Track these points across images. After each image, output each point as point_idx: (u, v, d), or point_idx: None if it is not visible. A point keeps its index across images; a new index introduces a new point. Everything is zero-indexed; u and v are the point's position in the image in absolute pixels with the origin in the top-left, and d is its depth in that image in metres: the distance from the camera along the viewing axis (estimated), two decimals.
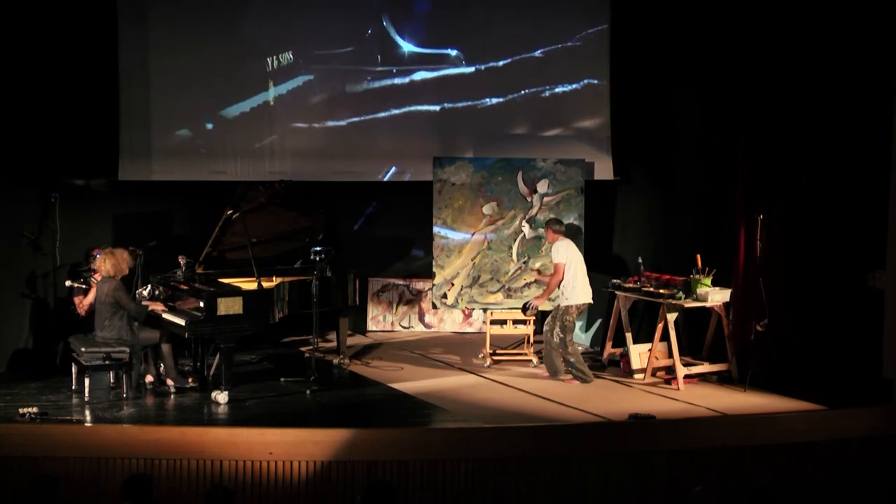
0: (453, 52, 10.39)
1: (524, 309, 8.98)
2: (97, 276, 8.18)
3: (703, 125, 9.57)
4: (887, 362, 7.85)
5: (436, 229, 9.44)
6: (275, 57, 10.20)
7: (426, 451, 6.72)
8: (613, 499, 6.74)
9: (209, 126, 10.31)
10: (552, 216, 9.15)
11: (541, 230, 9.37)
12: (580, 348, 9.44)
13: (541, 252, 9.41)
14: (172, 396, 8.08)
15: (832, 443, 7.09)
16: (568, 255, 8.59)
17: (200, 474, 6.59)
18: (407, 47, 10.35)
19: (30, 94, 9.16)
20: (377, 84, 10.36)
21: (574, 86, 10.46)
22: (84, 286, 8.65)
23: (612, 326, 9.33)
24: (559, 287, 8.61)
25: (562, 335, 8.57)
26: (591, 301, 8.72)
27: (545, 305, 9.04)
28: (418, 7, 10.40)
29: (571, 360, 8.56)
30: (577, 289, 8.57)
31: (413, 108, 10.53)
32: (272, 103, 10.32)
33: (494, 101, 10.47)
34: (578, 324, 9.79)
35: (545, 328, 8.76)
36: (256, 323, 8.13)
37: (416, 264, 10.97)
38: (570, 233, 9.16)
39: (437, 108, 10.53)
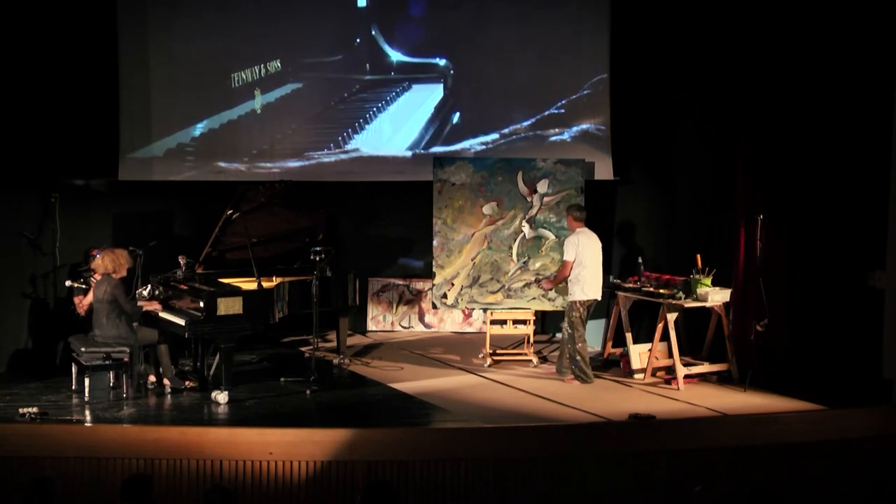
0: (442, 62, 10.37)
1: (536, 283, 9.20)
2: (97, 276, 8.19)
3: (702, 125, 9.59)
4: (887, 362, 7.84)
5: (436, 229, 9.44)
6: (263, 65, 10.15)
7: (426, 451, 6.72)
8: (613, 499, 6.74)
9: (207, 128, 10.30)
10: (574, 202, 9.07)
11: (541, 230, 9.38)
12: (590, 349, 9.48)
13: (541, 252, 9.41)
14: (172, 396, 8.08)
15: (832, 443, 7.09)
16: (579, 251, 8.55)
17: (200, 474, 6.59)
18: (395, 56, 10.33)
19: (30, 94, 9.16)
20: (369, 92, 10.40)
21: (574, 84, 10.49)
22: (84, 286, 8.65)
23: (612, 326, 9.34)
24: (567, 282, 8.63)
25: (570, 330, 8.58)
26: (598, 297, 8.70)
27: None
28: (414, 9, 10.37)
29: (577, 357, 8.55)
30: (583, 284, 8.55)
31: (411, 113, 10.56)
32: (259, 111, 10.29)
33: (491, 107, 10.54)
34: None
35: (561, 324, 8.79)
36: (256, 323, 8.13)
37: (416, 264, 10.97)
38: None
39: (433, 113, 10.58)
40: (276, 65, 10.17)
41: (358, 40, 10.24)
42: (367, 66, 10.39)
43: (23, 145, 9.11)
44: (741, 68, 8.62)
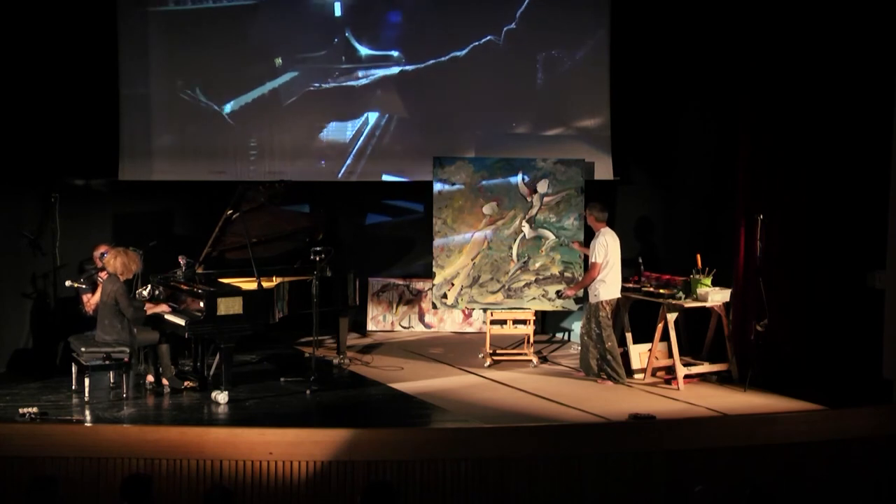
0: (396, 54, 10.65)
1: (557, 295, 9.17)
2: (103, 275, 8.18)
3: (703, 125, 9.59)
4: (887, 362, 7.84)
5: (436, 229, 9.44)
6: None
7: (426, 451, 6.72)
8: (613, 499, 6.74)
9: (210, 123, 10.35)
10: (595, 201, 8.95)
11: (541, 230, 9.38)
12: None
13: (541, 252, 9.41)
14: (172, 396, 8.09)
15: (832, 443, 7.09)
16: (607, 253, 8.54)
17: (200, 474, 6.59)
18: (363, 50, 10.68)
19: (30, 94, 9.16)
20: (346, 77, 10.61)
21: (574, 85, 10.50)
22: (84, 286, 8.65)
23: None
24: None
25: (598, 331, 8.56)
26: (619, 295, 8.69)
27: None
28: (393, 17, 10.71)
29: (608, 357, 8.53)
30: (608, 284, 8.54)
31: (415, 106, 10.62)
32: (267, 96, 10.42)
33: (494, 101, 10.57)
34: (577, 323, 9.79)
35: (581, 330, 8.78)
36: (256, 323, 8.13)
37: (416, 264, 10.98)
38: (572, 231, 9.19)
39: (438, 106, 10.62)
40: (278, 60, 10.55)
41: (336, 40, 10.68)
42: (343, 58, 10.70)
43: (23, 145, 9.11)
44: (742, 68, 8.62)
